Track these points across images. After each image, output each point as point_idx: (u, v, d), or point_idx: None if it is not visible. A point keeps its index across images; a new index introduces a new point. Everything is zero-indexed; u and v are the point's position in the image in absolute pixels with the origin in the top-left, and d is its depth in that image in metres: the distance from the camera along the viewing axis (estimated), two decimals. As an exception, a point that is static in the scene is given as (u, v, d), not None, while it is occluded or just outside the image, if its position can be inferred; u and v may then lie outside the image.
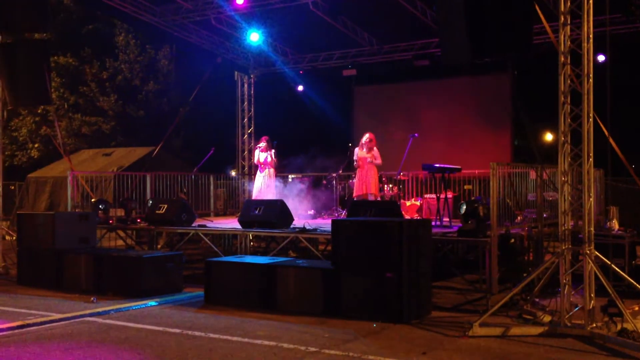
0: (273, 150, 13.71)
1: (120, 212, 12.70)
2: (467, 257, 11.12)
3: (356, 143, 13.15)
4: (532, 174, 10.50)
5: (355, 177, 12.99)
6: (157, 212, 11.65)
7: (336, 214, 13.52)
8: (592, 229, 7.18)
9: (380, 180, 13.25)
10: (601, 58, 13.19)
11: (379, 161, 12.66)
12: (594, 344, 6.65)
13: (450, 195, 12.15)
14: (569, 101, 7.29)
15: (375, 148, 12.67)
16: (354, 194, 12.82)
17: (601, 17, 9.47)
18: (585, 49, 7.17)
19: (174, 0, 15.01)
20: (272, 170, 13.75)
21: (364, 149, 12.61)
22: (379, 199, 12.88)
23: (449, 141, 17.34)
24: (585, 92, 7.18)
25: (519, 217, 10.23)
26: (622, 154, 10.37)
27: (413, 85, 18.62)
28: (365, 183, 12.55)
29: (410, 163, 13.42)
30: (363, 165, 12.58)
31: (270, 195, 13.38)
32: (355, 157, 12.70)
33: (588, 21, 7.17)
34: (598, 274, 7.02)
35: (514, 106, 16.83)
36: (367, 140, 12.66)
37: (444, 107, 17.92)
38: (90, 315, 8.13)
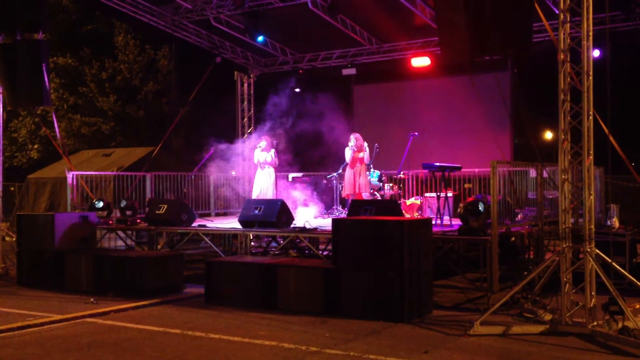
0: (273, 150, 13.69)
1: (120, 213, 12.67)
2: (467, 255, 11.11)
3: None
4: (533, 172, 10.49)
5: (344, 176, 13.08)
6: (157, 212, 11.64)
7: (337, 214, 13.51)
8: (592, 226, 7.17)
9: (380, 179, 13.27)
10: (596, 53, 13.09)
11: (367, 160, 12.90)
12: (595, 342, 6.64)
13: (450, 193, 12.15)
14: (569, 99, 7.28)
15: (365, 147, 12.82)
16: (345, 193, 12.88)
17: (601, 15, 9.47)
18: (585, 46, 7.16)
19: (172, 0, 14.99)
20: (272, 169, 13.73)
21: (355, 149, 12.68)
22: (377, 197, 12.90)
23: (449, 140, 17.30)
24: (585, 89, 7.16)
25: (519, 216, 10.23)
26: (622, 151, 10.35)
27: (413, 84, 18.54)
28: (358, 183, 12.62)
29: (410, 162, 13.43)
30: (354, 165, 12.67)
31: (271, 194, 13.37)
32: (348, 158, 12.78)
33: (588, 19, 7.16)
34: (599, 271, 7.01)
35: (514, 104, 16.79)
36: (360, 140, 12.85)
37: (444, 105, 17.86)
38: (91, 316, 8.12)
